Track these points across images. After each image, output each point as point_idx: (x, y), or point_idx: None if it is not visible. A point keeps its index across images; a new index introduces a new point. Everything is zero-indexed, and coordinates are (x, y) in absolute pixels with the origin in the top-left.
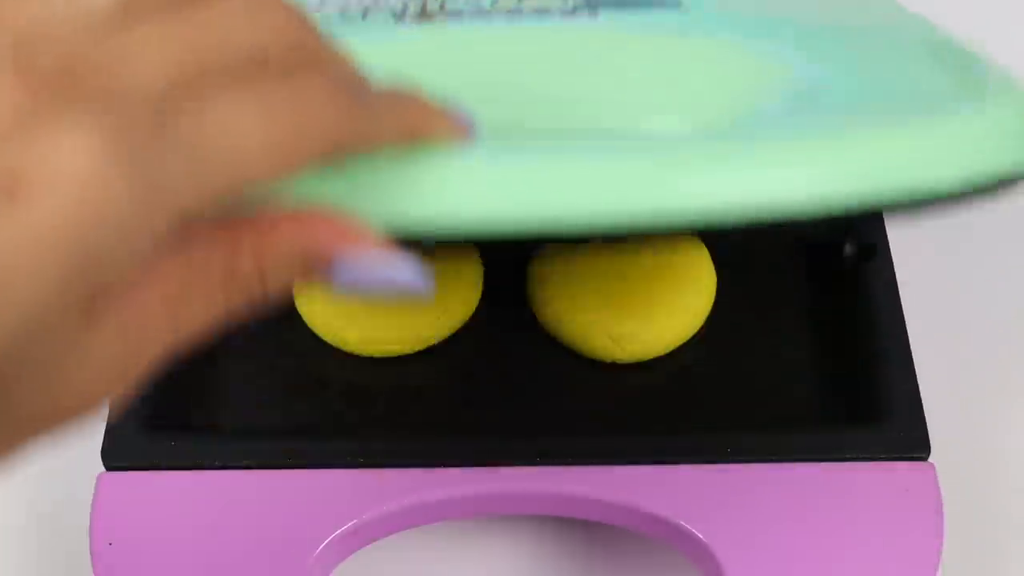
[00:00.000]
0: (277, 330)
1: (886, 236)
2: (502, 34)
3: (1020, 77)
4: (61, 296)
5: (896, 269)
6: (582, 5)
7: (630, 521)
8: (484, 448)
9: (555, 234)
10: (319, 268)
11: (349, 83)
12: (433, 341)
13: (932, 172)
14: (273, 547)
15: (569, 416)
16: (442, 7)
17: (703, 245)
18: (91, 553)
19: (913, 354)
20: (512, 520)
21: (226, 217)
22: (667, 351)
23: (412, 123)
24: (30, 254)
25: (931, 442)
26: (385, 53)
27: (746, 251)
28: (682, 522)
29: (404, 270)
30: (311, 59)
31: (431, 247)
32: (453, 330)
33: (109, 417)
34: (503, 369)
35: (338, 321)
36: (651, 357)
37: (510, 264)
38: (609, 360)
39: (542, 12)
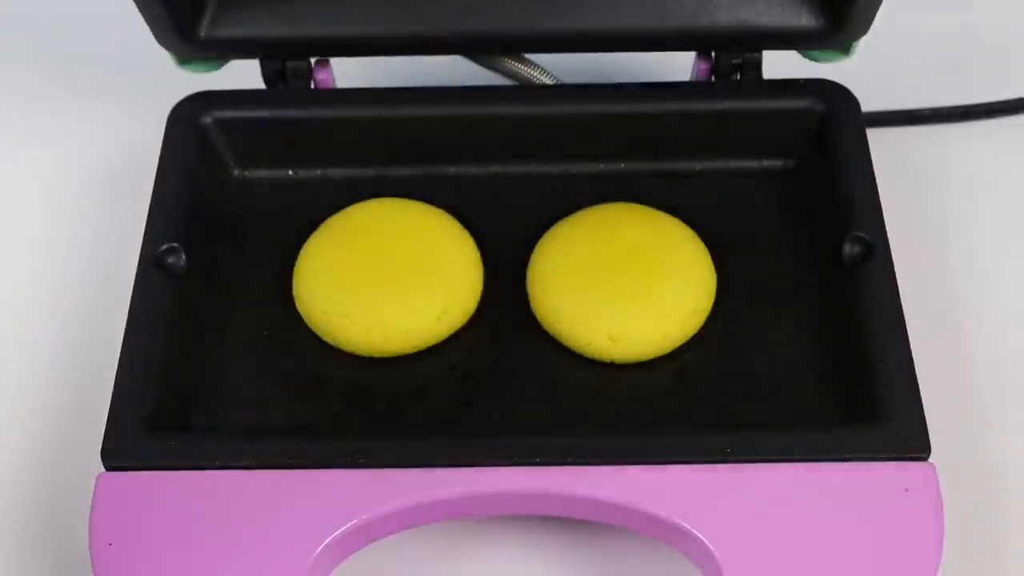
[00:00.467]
0: (277, 330)
1: (886, 236)
2: None
3: None
4: None
5: (896, 269)
6: None
7: (630, 521)
8: (484, 448)
9: None
10: None
11: None
12: (433, 341)
13: None
14: (273, 547)
15: (569, 416)
16: None
17: (704, 244)
18: (91, 553)
19: (913, 354)
20: (512, 520)
21: None
22: (667, 351)
23: None
24: None
25: (931, 442)
26: None
27: (746, 251)
28: (682, 522)
29: None
30: None
31: None
32: (453, 330)
33: (109, 417)
34: (503, 369)
35: (338, 321)
36: (651, 357)
37: (510, 264)
38: (609, 360)
39: None
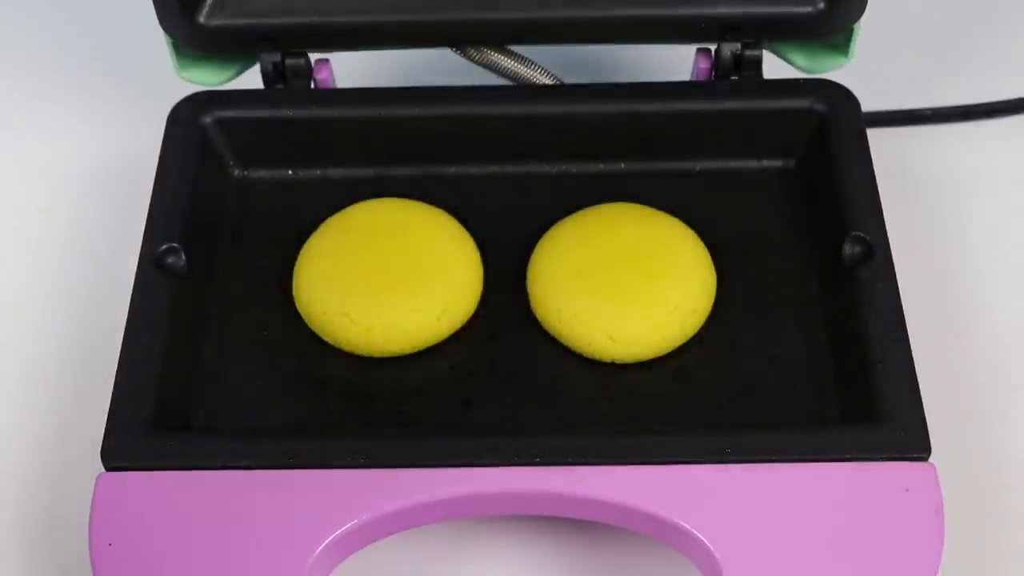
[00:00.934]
0: (277, 330)
1: (886, 236)
2: None
3: None
4: None
5: (896, 269)
6: None
7: (630, 521)
8: (484, 448)
9: None
10: None
11: None
12: (433, 341)
13: None
14: (273, 547)
15: (568, 416)
16: None
17: (703, 244)
18: (91, 553)
19: (913, 354)
20: (512, 520)
21: None
22: (667, 351)
23: None
24: None
25: (931, 442)
26: None
27: (746, 251)
28: (682, 522)
29: None
30: None
31: None
32: (453, 330)
33: (109, 417)
34: (503, 369)
35: (338, 321)
36: (651, 357)
37: (510, 264)
38: (609, 360)
39: None
